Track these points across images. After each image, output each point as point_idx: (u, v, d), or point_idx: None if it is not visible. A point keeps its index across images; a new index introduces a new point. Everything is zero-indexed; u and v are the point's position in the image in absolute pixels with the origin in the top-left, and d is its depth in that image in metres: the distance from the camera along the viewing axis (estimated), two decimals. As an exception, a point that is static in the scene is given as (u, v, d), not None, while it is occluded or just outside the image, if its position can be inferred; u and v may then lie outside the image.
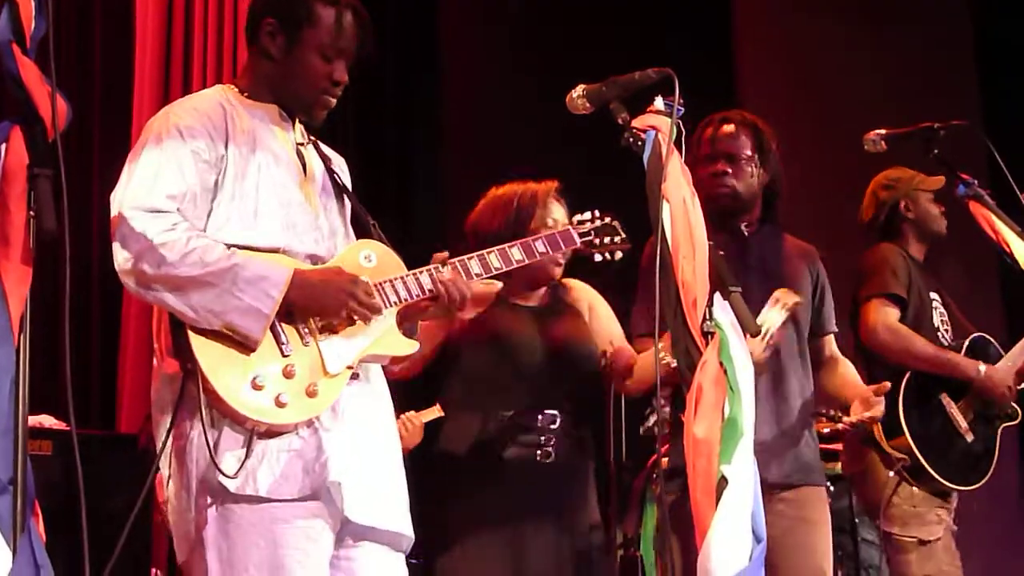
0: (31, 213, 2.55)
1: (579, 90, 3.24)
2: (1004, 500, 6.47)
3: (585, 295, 4.27)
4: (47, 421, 5.66)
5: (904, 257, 5.08)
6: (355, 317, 3.02)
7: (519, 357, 4.00)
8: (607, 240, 3.66)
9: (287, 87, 3.16)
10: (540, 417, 4.02)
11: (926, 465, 4.77)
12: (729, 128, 4.30)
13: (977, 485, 4.89)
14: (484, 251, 3.30)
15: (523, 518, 3.97)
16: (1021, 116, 6.88)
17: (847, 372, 4.46)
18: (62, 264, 2.56)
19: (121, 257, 2.90)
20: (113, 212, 2.94)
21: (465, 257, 3.25)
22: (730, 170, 4.24)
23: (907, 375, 4.81)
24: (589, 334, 4.18)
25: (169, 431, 3.00)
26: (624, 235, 3.71)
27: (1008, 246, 4.25)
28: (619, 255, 3.69)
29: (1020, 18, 7.23)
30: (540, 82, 6.65)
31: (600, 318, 4.23)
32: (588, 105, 3.23)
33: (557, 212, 4.11)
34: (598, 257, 3.67)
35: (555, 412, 4.03)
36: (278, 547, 2.91)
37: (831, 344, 4.46)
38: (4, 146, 2.56)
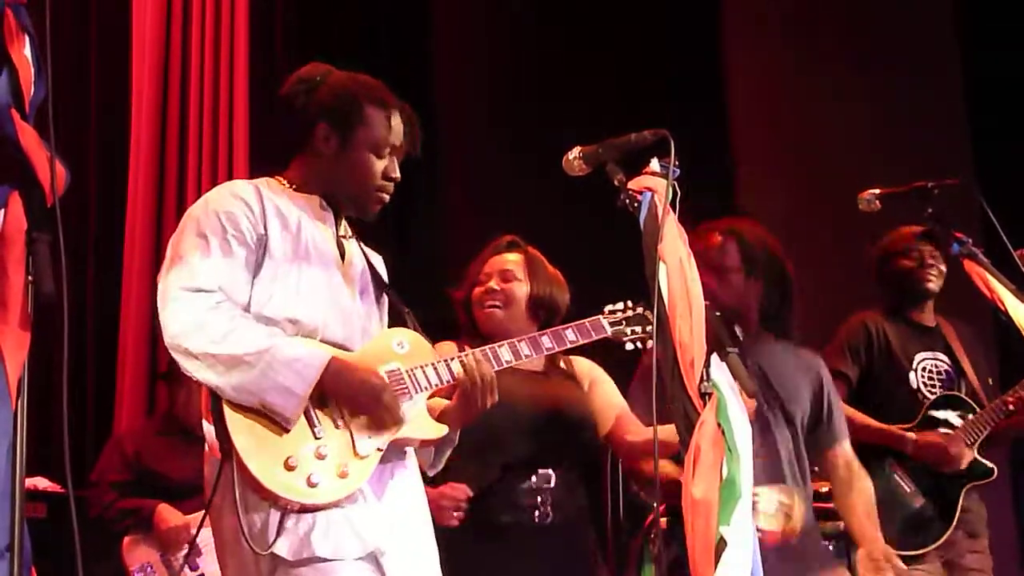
0: (30, 278, 2.55)
1: (575, 152, 3.26)
2: (1002, 556, 6.44)
3: (587, 371, 4.24)
4: (41, 483, 5.64)
5: (865, 327, 5.13)
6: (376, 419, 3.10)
7: (512, 417, 3.97)
8: (637, 329, 3.69)
9: (341, 184, 3.28)
10: (534, 477, 4.00)
11: None
12: (714, 238, 4.24)
13: (930, 548, 4.90)
14: (515, 339, 3.42)
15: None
16: (1011, 164, 6.91)
17: (858, 498, 4.33)
18: (59, 328, 2.57)
19: (168, 335, 3.00)
20: (159, 292, 3.05)
21: (495, 345, 3.36)
22: (714, 282, 4.09)
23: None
24: (584, 401, 4.15)
25: (206, 511, 3.10)
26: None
27: (1003, 304, 4.25)
28: (649, 344, 3.68)
29: (1010, 66, 7.26)
30: (534, 130, 6.71)
31: (601, 394, 4.19)
32: (584, 166, 3.26)
33: (493, 262, 4.19)
34: (629, 346, 3.70)
35: (549, 472, 4.01)
36: None
37: (844, 453, 4.34)
38: (3, 211, 2.57)
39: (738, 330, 4.21)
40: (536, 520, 3.97)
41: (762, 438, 4.03)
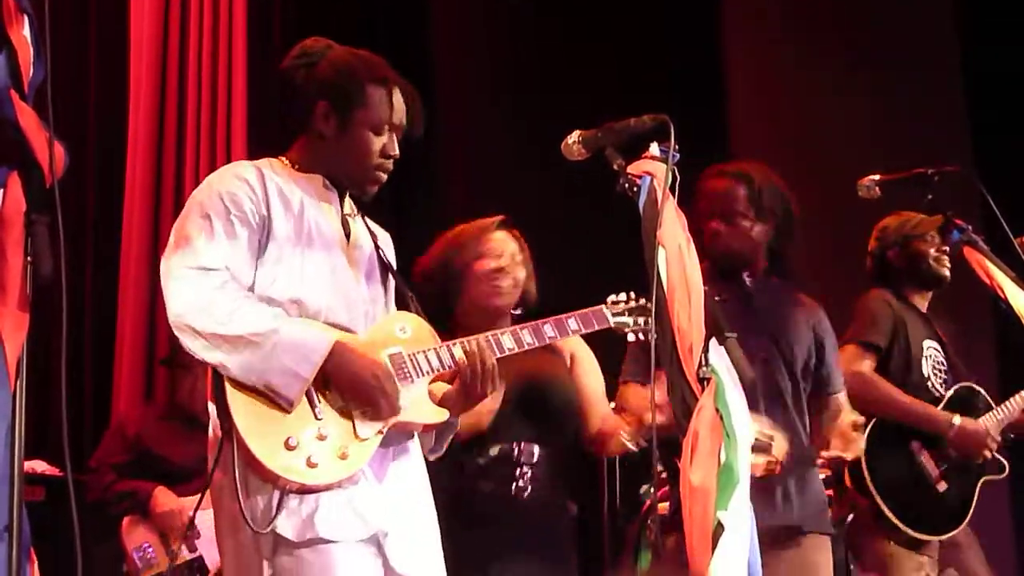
0: (28, 259, 2.55)
1: (574, 136, 3.25)
2: (999, 554, 6.45)
3: (569, 342, 4.14)
4: (40, 466, 5.65)
5: (889, 305, 5.07)
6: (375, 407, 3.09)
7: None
8: (640, 321, 3.61)
9: (341, 163, 3.25)
10: (517, 451, 3.99)
11: (887, 512, 4.77)
12: (724, 183, 4.26)
13: (950, 534, 4.88)
14: (517, 327, 3.37)
15: (496, 553, 3.91)
16: (1011, 159, 6.90)
17: (843, 419, 4.38)
18: (58, 310, 2.57)
19: (173, 314, 3.00)
20: (164, 272, 3.04)
21: (498, 331, 3.33)
22: (723, 228, 4.21)
23: (873, 421, 4.78)
24: (566, 375, 4.13)
25: (204, 491, 3.12)
26: None
27: (1003, 292, 4.25)
28: (653, 335, 3.66)
29: (1009, 61, 7.26)
30: (534, 122, 6.69)
31: (583, 373, 4.17)
32: (583, 151, 3.24)
33: (501, 240, 4.12)
34: (631, 337, 3.64)
35: (534, 446, 4.00)
36: None
37: (838, 403, 4.36)
38: (1, 192, 2.57)
39: (746, 277, 4.23)
40: (513, 493, 3.96)
41: (766, 386, 4.06)
